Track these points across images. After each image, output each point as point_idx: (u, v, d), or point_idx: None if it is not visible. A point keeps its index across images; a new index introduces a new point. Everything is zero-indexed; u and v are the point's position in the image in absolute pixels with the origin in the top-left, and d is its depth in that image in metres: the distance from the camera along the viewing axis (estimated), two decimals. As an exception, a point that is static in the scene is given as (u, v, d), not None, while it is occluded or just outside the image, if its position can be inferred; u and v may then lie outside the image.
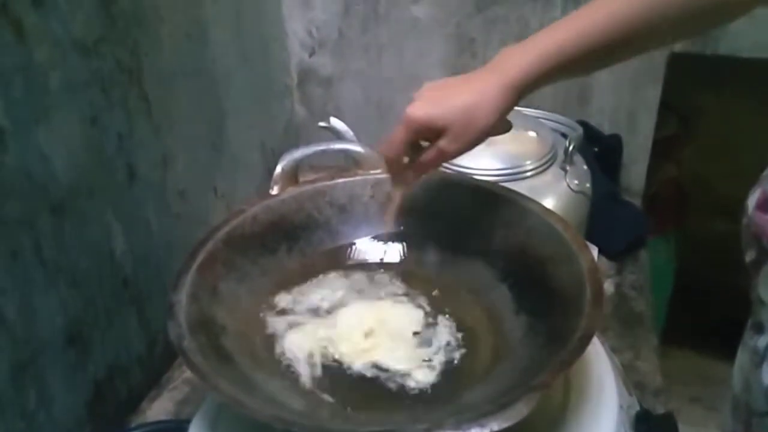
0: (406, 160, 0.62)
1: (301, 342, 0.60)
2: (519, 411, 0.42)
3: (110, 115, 0.73)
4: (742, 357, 0.63)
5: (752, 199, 0.62)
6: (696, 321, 1.73)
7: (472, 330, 0.61)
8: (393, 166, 0.63)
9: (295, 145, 0.77)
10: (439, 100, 0.59)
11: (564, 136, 0.93)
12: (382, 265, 0.69)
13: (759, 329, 0.62)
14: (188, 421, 0.59)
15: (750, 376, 0.59)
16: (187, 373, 0.83)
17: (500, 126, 0.59)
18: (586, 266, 0.56)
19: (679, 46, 1.06)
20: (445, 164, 0.85)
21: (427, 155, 0.60)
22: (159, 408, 0.81)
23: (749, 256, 0.62)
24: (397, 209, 0.68)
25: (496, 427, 0.41)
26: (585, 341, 0.48)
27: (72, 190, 0.68)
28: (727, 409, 0.64)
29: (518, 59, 0.56)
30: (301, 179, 0.73)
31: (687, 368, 1.77)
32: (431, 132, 0.59)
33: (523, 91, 0.57)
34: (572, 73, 0.59)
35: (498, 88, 0.56)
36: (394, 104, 1.24)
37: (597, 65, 0.62)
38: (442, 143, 0.58)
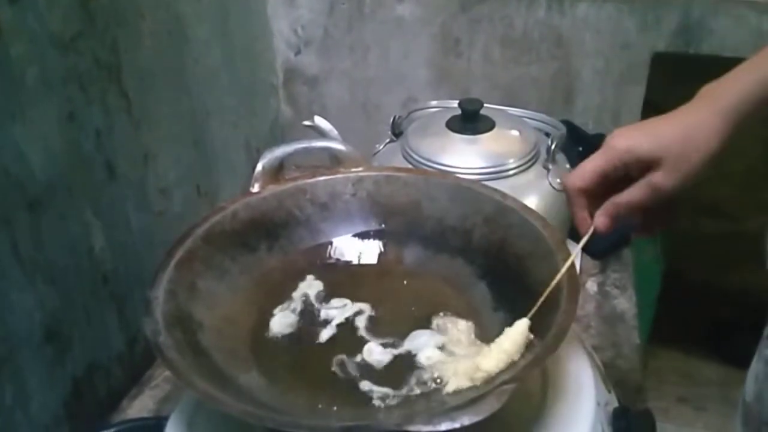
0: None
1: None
2: (490, 405, 0.42)
3: (88, 112, 0.73)
4: (757, 367, 0.60)
5: None
6: (683, 321, 1.73)
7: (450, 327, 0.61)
8: (578, 201, 0.55)
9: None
10: (646, 129, 0.52)
11: (547, 135, 0.93)
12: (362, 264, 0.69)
13: None
14: (167, 418, 0.59)
15: (764, 387, 0.58)
16: (168, 372, 0.83)
17: (720, 157, 0.51)
18: (563, 263, 0.56)
19: (662, 46, 1.06)
20: (426, 163, 0.86)
21: (634, 192, 0.52)
22: (140, 406, 0.80)
23: None
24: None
25: (467, 421, 0.41)
26: (559, 337, 0.48)
27: (49, 187, 0.68)
28: (738, 416, 0.63)
29: (729, 85, 0.51)
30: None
31: (675, 368, 1.78)
32: (637, 165, 0.52)
33: (742, 117, 0.50)
34: None
35: (714, 113, 0.50)
36: (380, 103, 1.24)
37: None
38: (656, 178, 0.51)
